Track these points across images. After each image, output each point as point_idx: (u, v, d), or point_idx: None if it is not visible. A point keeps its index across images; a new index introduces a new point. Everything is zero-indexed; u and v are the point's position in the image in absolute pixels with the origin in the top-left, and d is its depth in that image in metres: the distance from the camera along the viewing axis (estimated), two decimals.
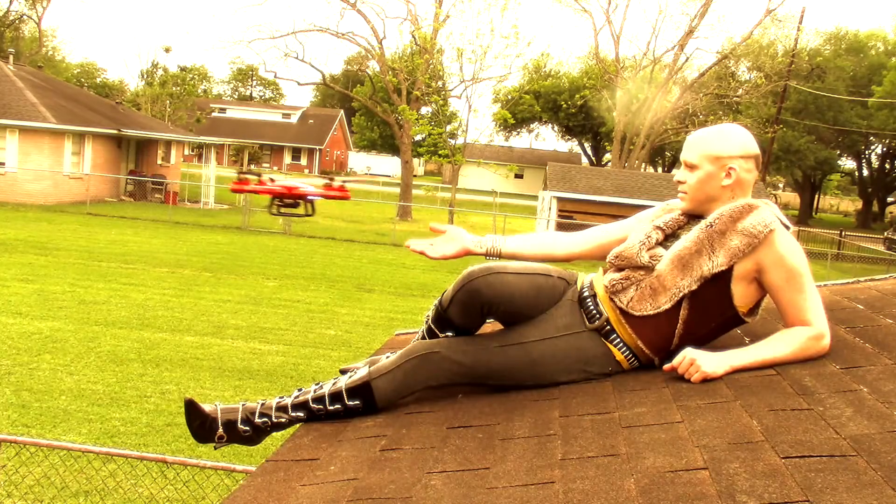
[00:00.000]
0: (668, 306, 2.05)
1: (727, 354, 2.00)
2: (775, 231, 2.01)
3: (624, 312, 2.09)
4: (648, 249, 2.14)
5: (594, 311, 2.11)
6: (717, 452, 1.51)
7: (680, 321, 2.07)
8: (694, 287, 2.04)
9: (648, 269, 2.11)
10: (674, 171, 2.32)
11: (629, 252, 2.15)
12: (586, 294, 2.16)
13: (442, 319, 2.18)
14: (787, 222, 2.09)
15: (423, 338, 2.23)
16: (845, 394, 1.74)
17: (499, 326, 2.24)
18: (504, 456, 1.69)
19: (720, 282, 2.03)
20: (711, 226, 2.06)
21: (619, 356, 2.10)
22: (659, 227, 2.20)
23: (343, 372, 2.34)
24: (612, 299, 2.12)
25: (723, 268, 2.01)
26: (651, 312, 2.06)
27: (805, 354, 2.00)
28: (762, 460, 1.45)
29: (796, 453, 1.46)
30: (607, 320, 2.10)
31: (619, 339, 2.10)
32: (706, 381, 1.94)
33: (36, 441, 5.20)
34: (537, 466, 1.60)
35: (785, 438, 1.53)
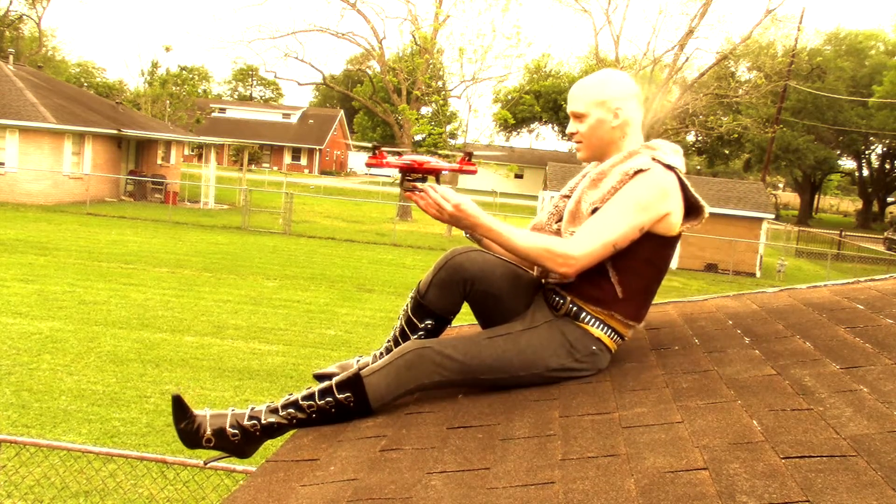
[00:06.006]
0: None
1: (479, 212, 2.09)
2: (642, 172, 2.10)
3: (565, 287, 2.16)
4: (557, 221, 2.25)
5: (557, 299, 2.17)
6: (717, 452, 1.51)
7: (609, 269, 2.12)
8: None
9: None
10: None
11: (539, 224, 2.30)
12: (549, 287, 2.23)
13: (420, 307, 2.18)
14: (671, 161, 2.15)
15: (402, 331, 2.21)
16: (845, 394, 1.73)
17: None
18: (504, 456, 1.69)
19: None
20: (592, 177, 2.18)
21: (596, 332, 2.14)
22: (565, 196, 2.31)
23: (317, 377, 2.30)
24: (546, 283, 2.21)
25: (597, 203, 2.10)
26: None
27: (539, 260, 2.09)
28: (762, 460, 1.45)
29: (796, 453, 1.46)
30: (572, 302, 2.14)
31: (587, 316, 2.14)
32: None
33: (36, 441, 5.20)
34: (537, 466, 1.60)
35: (785, 438, 1.53)
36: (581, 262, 2.06)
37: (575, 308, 2.14)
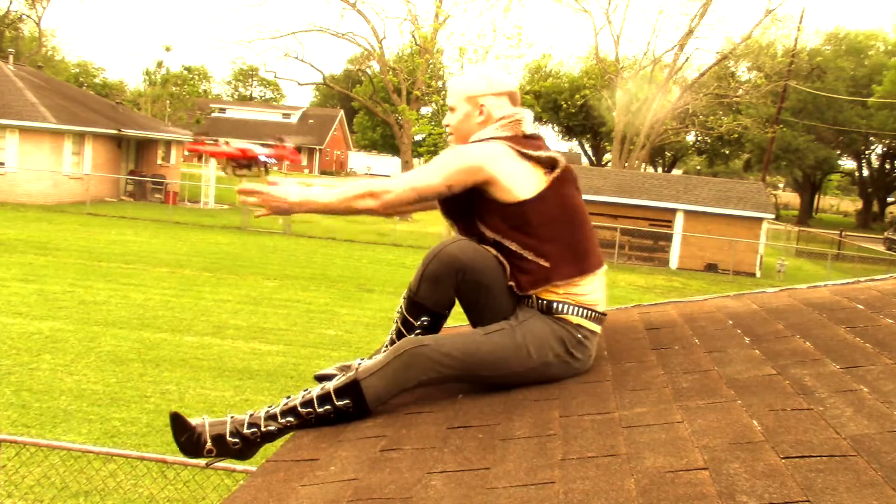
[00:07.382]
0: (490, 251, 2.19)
1: (309, 193, 2.19)
2: (461, 148, 2.19)
3: (518, 287, 2.18)
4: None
5: (525, 299, 2.20)
6: (717, 452, 1.51)
7: (520, 252, 2.15)
8: (457, 222, 2.25)
9: None
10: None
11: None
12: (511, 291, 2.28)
13: (414, 305, 2.19)
14: (489, 134, 2.20)
15: (399, 333, 2.23)
16: (845, 394, 1.74)
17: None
18: (504, 456, 1.69)
19: (463, 201, 2.18)
20: None
21: (574, 319, 2.17)
22: None
23: (318, 379, 2.32)
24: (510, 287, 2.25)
25: (441, 189, 2.18)
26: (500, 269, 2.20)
27: (351, 206, 2.17)
28: (762, 460, 1.45)
29: (796, 453, 1.46)
30: (536, 297, 2.17)
31: (555, 304, 2.16)
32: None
33: (36, 441, 5.20)
34: (537, 466, 1.60)
35: (785, 438, 1.53)
36: (383, 198, 2.15)
37: (544, 302, 2.17)
